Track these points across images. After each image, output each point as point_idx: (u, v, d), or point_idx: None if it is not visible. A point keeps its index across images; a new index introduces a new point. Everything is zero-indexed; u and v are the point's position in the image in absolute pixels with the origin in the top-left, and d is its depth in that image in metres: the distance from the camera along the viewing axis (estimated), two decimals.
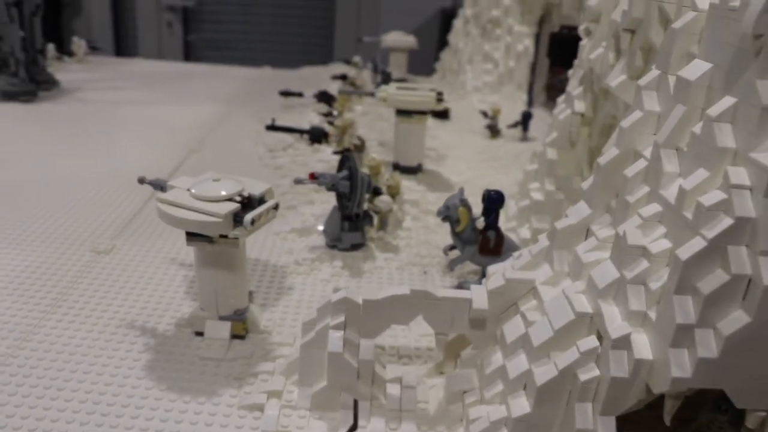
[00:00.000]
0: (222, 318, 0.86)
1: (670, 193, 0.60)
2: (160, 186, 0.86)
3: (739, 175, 0.53)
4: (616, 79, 0.89)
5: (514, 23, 2.38)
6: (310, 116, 1.97)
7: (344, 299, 0.72)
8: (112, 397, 0.74)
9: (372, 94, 1.44)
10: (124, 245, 1.12)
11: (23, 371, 0.78)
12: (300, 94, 2.12)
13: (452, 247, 1.02)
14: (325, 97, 2.12)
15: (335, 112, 1.95)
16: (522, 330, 0.68)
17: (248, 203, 0.81)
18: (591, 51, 1.01)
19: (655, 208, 0.62)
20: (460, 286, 1.05)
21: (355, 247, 1.13)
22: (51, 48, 2.51)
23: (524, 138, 1.97)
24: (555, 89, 2.64)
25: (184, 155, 1.62)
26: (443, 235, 1.26)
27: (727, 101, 0.56)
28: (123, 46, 3.42)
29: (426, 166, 1.60)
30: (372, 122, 2.00)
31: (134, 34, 3.37)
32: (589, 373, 0.60)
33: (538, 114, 2.42)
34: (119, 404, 0.74)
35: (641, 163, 0.66)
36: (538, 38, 2.37)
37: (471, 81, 2.49)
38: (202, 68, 2.85)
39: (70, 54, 2.60)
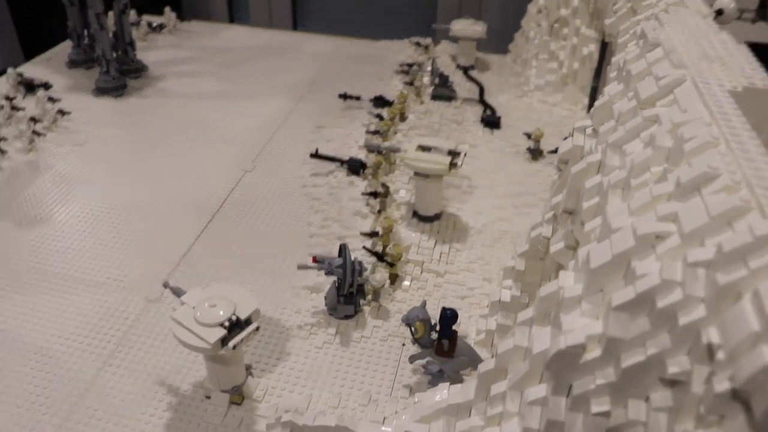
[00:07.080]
0: (223, 391, 1.14)
1: None
2: (177, 293, 1.12)
3: None
4: (556, 245, 1.01)
5: (582, 25, 2.30)
6: (360, 131, 2.11)
7: (289, 422, 0.97)
8: None
9: (398, 150, 1.59)
10: (169, 294, 1.41)
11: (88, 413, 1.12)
12: (358, 98, 2.27)
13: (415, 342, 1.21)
14: (380, 102, 2.26)
15: (386, 116, 2.10)
16: None
17: (236, 324, 1.05)
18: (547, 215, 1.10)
19: None
20: (425, 367, 1.25)
21: (348, 316, 1.35)
22: (144, 24, 2.78)
23: None
24: None
25: (237, 177, 1.86)
26: (436, 299, 1.44)
27: None
28: (235, 11, 3.63)
29: (452, 202, 1.74)
30: (431, 122, 2.15)
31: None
32: None
33: None
34: None
35: None
36: (603, 45, 2.29)
37: (534, 79, 2.47)
38: (294, 38, 2.97)
39: (161, 27, 2.85)
